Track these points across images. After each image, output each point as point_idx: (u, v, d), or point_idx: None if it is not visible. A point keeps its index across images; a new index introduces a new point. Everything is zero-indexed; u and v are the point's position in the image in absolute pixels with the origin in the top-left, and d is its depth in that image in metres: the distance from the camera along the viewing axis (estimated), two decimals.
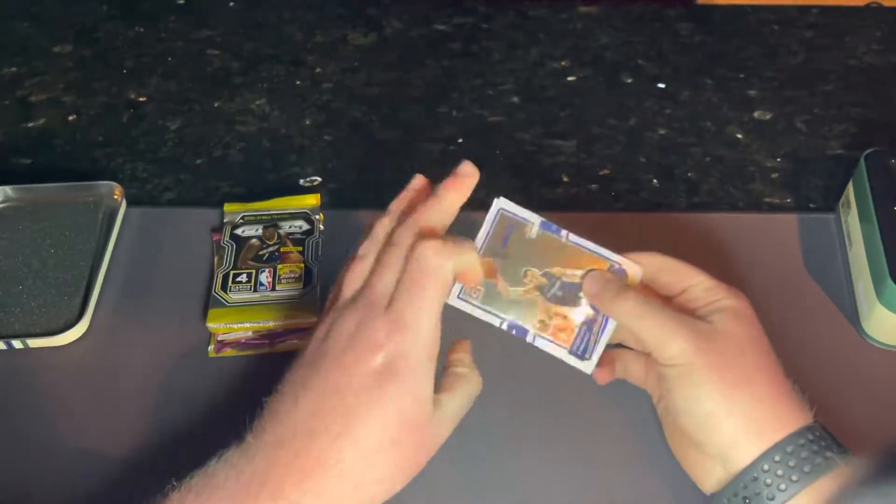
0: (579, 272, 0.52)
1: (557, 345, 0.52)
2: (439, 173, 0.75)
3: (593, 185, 0.75)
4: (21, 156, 0.78)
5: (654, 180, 0.75)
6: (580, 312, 0.52)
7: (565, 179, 0.75)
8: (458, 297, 0.51)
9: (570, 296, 0.52)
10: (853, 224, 0.66)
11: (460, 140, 0.79)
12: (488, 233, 0.52)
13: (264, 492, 0.42)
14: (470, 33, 0.89)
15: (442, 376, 0.49)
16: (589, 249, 0.52)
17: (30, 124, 0.81)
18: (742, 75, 0.84)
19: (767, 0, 0.91)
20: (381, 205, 0.73)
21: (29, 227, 0.69)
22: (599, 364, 0.52)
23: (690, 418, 0.48)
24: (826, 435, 0.47)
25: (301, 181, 0.75)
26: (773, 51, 0.87)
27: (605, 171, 0.76)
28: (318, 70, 0.85)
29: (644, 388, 0.55)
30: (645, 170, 0.76)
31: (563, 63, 0.86)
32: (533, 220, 0.52)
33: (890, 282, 0.58)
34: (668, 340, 0.48)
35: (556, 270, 0.52)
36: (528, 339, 0.52)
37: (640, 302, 0.49)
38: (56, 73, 0.86)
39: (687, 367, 0.47)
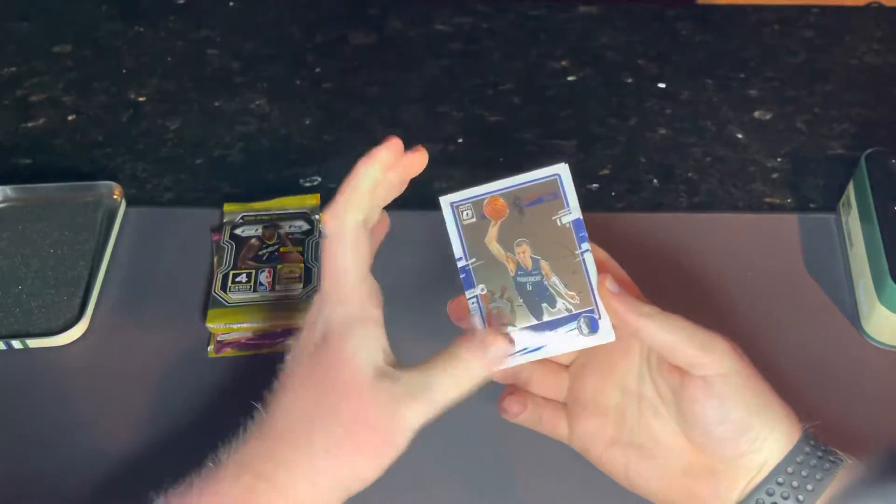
0: (561, 286, 0.48)
1: (483, 322, 0.48)
2: (439, 173, 0.76)
3: (593, 185, 0.75)
4: (21, 156, 0.78)
5: (654, 180, 0.75)
6: (528, 319, 0.48)
7: None
8: (451, 204, 0.48)
9: (535, 297, 0.48)
10: (853, 224, 0.66)
11: (460, 140, 0.79)
12: (528, 182, 0.48)
13: (231, 461, 0.44)
14: (470, 33, 0.89)
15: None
16: (588, 279, 0.48)
17: (30, 124, 0.81)
18: (742, 75, 0.84)
19: (768, 0, 0.91)
20: None
21: (29, 227, 0.69)
22: (512, 393, 0.51)
23: (733, 426, 0.45)
24: (817, 440, 0.46)
25: (301, 181, 0.75)
26: (773, 51, 0.87)
27: (605, 171, 0.76)
28: (318, 70, 0.85)
29: (564, 440, 0.52)
30: (645, 170, 0.76)
31: (563, 63, 0.86)
32: (573, 210, 0.48)
33: (890, 282, 0.58)
34: (711, 346, 0.45)
35: (545, 267, 0.48)
36: (468, 293, 0.48)
37: (665, 312, 0.47)
38: (56, 73, 0.86)
39: (733, 371, 0.45)
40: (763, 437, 0.45)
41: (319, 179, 0.75)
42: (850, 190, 0.68)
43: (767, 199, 0.74)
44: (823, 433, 0.47)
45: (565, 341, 0.48)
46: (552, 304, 0.48)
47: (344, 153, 0.78)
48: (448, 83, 0.84)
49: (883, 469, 0.44)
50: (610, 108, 0.81)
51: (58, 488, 0.56)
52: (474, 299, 0.48)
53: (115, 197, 0.72)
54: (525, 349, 0.48)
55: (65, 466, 0.57)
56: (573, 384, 0.52)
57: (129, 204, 0.72)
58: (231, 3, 0.93)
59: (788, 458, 0.45)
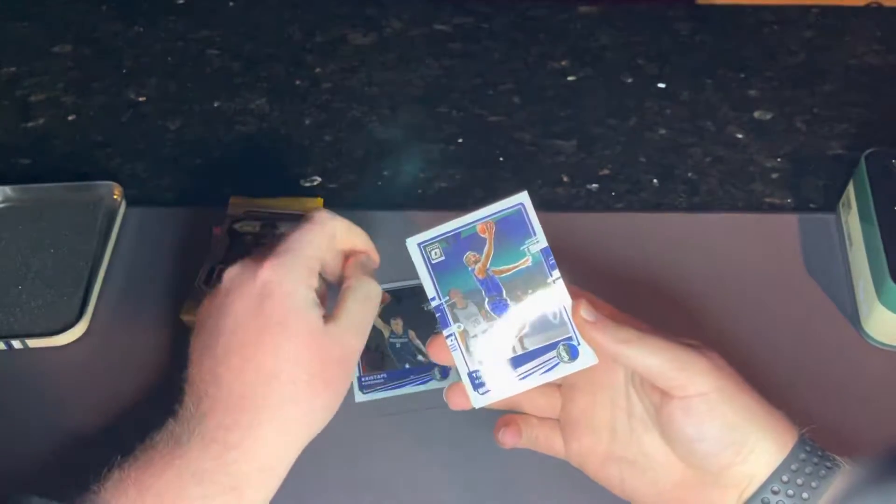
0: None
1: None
2: (439, 173, 0.76)
3: (593, 185, 0.75)
4: (21, 156, 0.78)
5: (654, 180, 0.75)
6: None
7: (565, 179, 0.75)
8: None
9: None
10: (853, 224, 0.66)
11: (460, 140, 0.79)
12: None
13: (195, 438, 0.45)
14: (470, 33, 0.89)
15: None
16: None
17: (29, 124, 0.81)
18: (742, 75, 0.84)
19: (767, 0, 0.91)
20: (381, 205, 0.73)
21: (29, 227, 0.69)
22: (507, 425, 0.51)
23: (713, 443, 0.45)
24: (814, 444, 0.46)
25: (301, 181, 0.75)
26: (773, 51, 0.87)
27: (605, 171, 0.76)
28: (318, 70, 0.85)
29: (562, 457, 0.52)
30: (645, 170, 0.76)
31: (563, 63, 0.86)
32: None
33: (890, 282, 0.58)
34: (690, 366, 0.45)
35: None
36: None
37: (641, 333, 0.47)
38: (55, 73, 0.85)
39: (713, 389, 0.45)
40: (748, 450, 0.45)
41: (319, 179, 0.75)
42: (850, 190, 0.68)
43: (767, 199, 0.74)
44: (822, 434, 0.47)
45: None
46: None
47: (344, 153, 0.78)
48: (448, 83, 0.84)
49: (883, 469, 0.44)
50: (610, 108, 0.81)
51: (58, 488, 0.56)
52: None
53: (115, 197, 0.72)
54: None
55: (65, 467, 0.57)
56: (565, 403, 0.52)
57: (129, 204, 0.72)
58: (231, 3, 0.93)
59: (783, 467, 0.45)
